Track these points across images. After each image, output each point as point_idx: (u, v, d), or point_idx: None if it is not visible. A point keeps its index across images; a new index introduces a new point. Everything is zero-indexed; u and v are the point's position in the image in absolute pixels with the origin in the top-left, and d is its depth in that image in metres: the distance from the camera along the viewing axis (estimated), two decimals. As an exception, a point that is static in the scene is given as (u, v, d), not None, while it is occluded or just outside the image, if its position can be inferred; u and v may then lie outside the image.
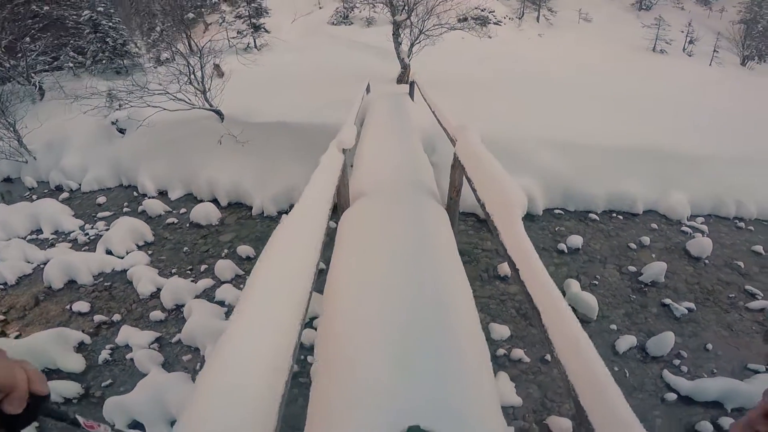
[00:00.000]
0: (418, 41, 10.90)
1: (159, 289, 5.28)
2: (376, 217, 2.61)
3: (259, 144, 7.19)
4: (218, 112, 7.76)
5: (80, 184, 8.56)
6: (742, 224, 6.59)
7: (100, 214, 7.46)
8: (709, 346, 4.25)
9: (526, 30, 17.03)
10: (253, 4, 14.30)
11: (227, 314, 4.87)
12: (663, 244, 5.99)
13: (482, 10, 13.57)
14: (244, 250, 5.84)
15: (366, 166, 3.50)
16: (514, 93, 9.41)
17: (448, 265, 2.24)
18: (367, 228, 2.51)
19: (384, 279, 2.10)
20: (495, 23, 12.61)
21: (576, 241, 5.87)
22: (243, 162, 7.09)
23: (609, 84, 10.84)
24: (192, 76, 7.07)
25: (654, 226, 6.41)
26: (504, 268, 5.36)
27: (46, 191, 8.86)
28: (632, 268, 5.38)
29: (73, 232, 6.96)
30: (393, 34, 10.67)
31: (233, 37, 14.56)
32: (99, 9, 13.48)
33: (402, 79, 10.86)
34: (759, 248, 5.91)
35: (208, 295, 5.26)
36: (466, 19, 12.42)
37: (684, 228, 6.37)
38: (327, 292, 2.05)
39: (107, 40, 13.17)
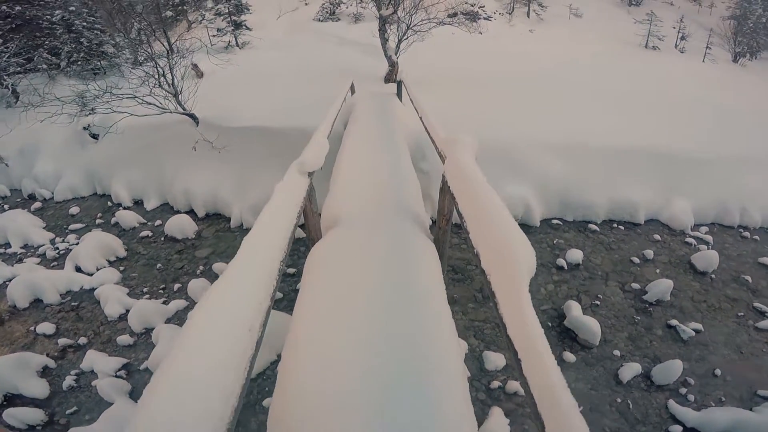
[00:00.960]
0: (405, 37, 10.44)
1: (128, 311, 4.95)
2: (351, 253, 2.25)
3: (236, 150, 6.76)
4: (192, 116, 7.30)
5: (53, 193, 8.09)
6: (746, 233, 6.32)
7: (72, 226, 7.01)
8: (718, 371, 4.02)
9: (516, 25, 16.71)
10: (232, 1, 13.70)
11: None
12: (667, 258, 5.69)
13: (472, 5, 13.14)
14: (220, 267, 5.46)
15: (344, 184, 3.11)
16: (507, 91, 9.04)
17: (433, 315, 1.90)
18: (340, 267, 2.15)
19: (356, 331, 1.75)
20: (485, 18, 12.19)
21: (576, 255, 5.54)
22: (220, 170, 6.68)
23: (605, 81, 10.52)
24: (162, 78, 6.60)
25: (657, 237, 6.10)
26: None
27: (18, 200, 8.39)
28: (636, 286, 5.09)
29: (43, 246, 6.53)
30: (379, 30, 10.17)
31: (213, 36, 13.96)
32: (71, 8, 12.81)
33: (390, 77, 10.37)
34: (766, 260, 5.67)
35: (180, 317, 4.93)
36: (455, 14, 11.99)
37: (688, 239, 6.06)
38: (289, 341, 1.70)
39: (81, 40, 12.52)
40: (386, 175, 3.34)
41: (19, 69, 12.92)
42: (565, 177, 6.37)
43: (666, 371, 3.84)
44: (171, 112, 6.77)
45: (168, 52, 6.86)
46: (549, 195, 6.30)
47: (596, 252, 5.82)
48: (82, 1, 13.30)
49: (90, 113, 7.46)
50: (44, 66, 13.26)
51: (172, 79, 6.71)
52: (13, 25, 14.06)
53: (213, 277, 5.45)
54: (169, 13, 14.72)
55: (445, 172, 2.22)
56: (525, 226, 6.16)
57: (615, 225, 6.36)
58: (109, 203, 7.47)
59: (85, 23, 12.95)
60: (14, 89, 12.35)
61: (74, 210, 7.47)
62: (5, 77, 12.27)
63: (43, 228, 7.02)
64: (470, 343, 4.43)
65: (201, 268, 5.66)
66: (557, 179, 6.33)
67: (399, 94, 7.79)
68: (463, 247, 5.80)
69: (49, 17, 13.26)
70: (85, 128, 8.04)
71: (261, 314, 1.30)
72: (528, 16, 18.42)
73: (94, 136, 8.20)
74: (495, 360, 4.11)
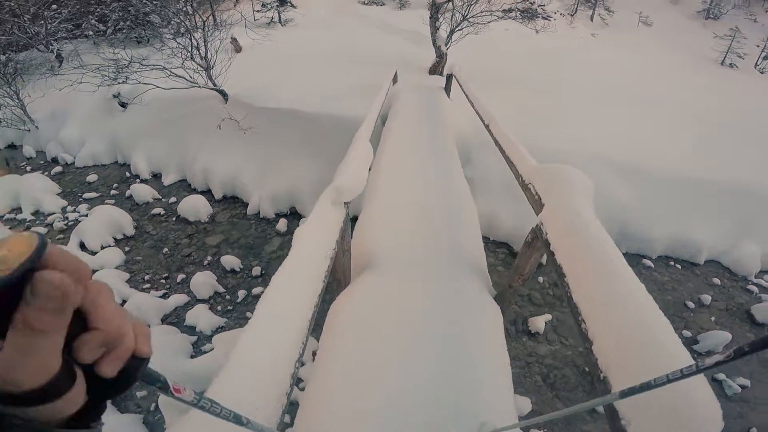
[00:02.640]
0: (459, 28, 9.58)
1: (125, 302, 4.54)
2: (387, 309, 1.68)
3: (263, 132, 6.25)
4: (222, 92, 6.85)
5: (75, 158, 7.91)
6: None
7: (86, 195, 6.77)
8: (753, 430, 3.74)
9: (578, 28, 15.45)
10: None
11: (196, 348, 4.08)
12: (724, 304, 5.15)
13: (531, 3, 12.10)
14: (229, 261, 5.00)
15: (381, 206, 2.50)
16: (569, 98, 8.12)
17: (489, 406, 1.30)
18: (371, 328, 1.60)
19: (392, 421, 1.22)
20: (544, 17, 11.12)
21: None
22: (243, 152, 6.20)
23: (677, 97, 9.36)
24: (195, 51, 6.16)
25: (716, 281, 5.45)
26: (536, 323, 4.40)
27: (42, 162, 8.27)
28: (687, 333, 4.62)
29: (53, 214, 6.31)
30: (430, 17, 9.34)
31: (257, 11, 13.55)
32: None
33: (436, 69, 9.59)
34: None
35: (178, 315, 4.52)
36: (511, 10, 10.96)
37: (750, 286, 5.46)
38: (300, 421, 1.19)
39: (129, 8, 12.41)
40: (434, 195, 2.71)
41: (66, 35, 13.06)
42: (628, 204, 5.54)
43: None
44: (200, 86, 6.33)
45: (204, 24, 6.37)
46: (607, 221, 5.45)
47: (649, 291, 5.09)
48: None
49: (123, 81, 7.16)
50: (90, 33, 13.30)
51: (206, 52, 6.26)
52: None
53: (220, 270, 5.01)
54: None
55: (543, 224, 1.55)
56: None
57: (672, 263, 5.67)
58: (128, 174, 7.18)
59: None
60: (59, 54, 12.45)
61: (92, 177, 7.24)
62: (52, 41, 12.37)
63: (58, 194, 6.80)
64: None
65: (209, 258, 5.23)
66: (620, 205, 5.52)
67: (447, 89, 7.01)
68: (499, 269, 5.12)
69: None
70: (114, 96, 7.78)
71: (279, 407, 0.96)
72: (591, 20, 17.06)
73: (123, 105, 7.95)
74: (520, 404, 3.65)
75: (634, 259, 5.61)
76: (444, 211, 2.49)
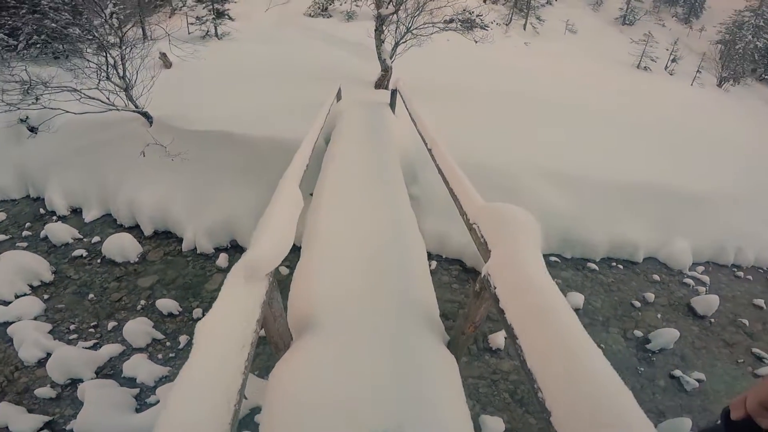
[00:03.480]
0: (403, 40, 9.62)
1: (49, 355, 4.00)
2: (331, 377, 1.47)
3: (193, 158, 5.75)
4: (145, 115, 6.25)
5: (-22, 193, 6.89)
6: (740, 273, 6.24)
7: (-8, 238, 5.87)
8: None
9: (512, 37, 16.27)
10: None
11: (140, 401, 3.67)
12: (666, 300, 5.46)
13: (470, 13, 12.53)
14: (165, 304, 4.51)
15: (321, 250, 2.27)
16: (507, 108, 8.40)
17: None
18: (314, 401, 1.38)
19: None
20: (481, 27, 11.54)
21: (577, 300, 5.09)
22: (172, 180, 5.65)
23: (603, 103, 10.06)
24: (112, 70, 5.55)
25: (656, 277, 5.83)
26: (496, 340, 4.39)
27: (-62, 199, 7.12)
28: (638, 333, 4.80)
29: (-49, 263, 5.38)
30: (375, 30, 9.30)
31: (191, 23, 12.78)
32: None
33: (381, 83, 9.58)
34: (760, 302, 5.62)
35: (114, 366, 4.04)
36: (451, 21, 11.26)
37: (686, 279, 5.87)
38: None
39: (45, 21, 11.16)
40: (381, 232, 2.52)
41: None
42: (567, 211, 5.77)
43: (673, 431, 3.62)
44: (118, 109, 5.70)
45: (120, 39, 5.76)
46: (550, 230, 5.69)
47: (596, 294, 5.44)
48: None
49: (32, 103, 6.33)
50: None
51: (123, 71, 5.66)
52: None
53: (156, 315, 4.51)
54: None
55: (490, 273, 1.42)
56: (523, 265, 5.51)
57: (614, 263, 5.98)
58: (42, 210, 6.34)
59: (51, 3, 11.59)
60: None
61: (0, 216, 6.32)
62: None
63: (-43, 239, 5.86)
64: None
65: (143, 302, 4.70)
66: (558, 214, 5.74)
67: (392, 105, 6.93)
68: (454, 287, 5.08)
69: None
70: (21, 120, 6.85)
71: None
72: (524, 29, 18.05)
73: (33, 130, 7.04)
74: (494, 426, 3.58)
75: (579, 263, 5.83)
76: (392, 250, 2.32)
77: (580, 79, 12.79)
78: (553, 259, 5.78)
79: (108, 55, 5.48)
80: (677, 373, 4.29)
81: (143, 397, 3.74)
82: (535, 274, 1.22)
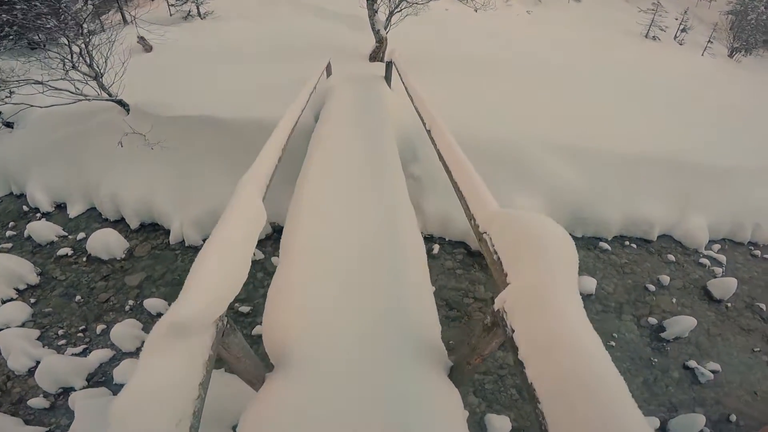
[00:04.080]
0: (398, 9, 9.04)
1: (38, 363, 3.85)
2: (309, 428, 1.19)
3: (176, 146, 5.39)
4: (121, 103, 5.84)
5: (-42, 192, 6.59)
6: (757, 252, 5.88)
7: (-26, 239, 5.61)
8: (733, 416, 3.74)
9: (514, 5, 15.48)
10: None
11: None
12: (682, 282, 5.14)
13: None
14: (154, 304, 4.27)
15: (300, 263, 1.90)
16: (512, 79, 7.88)
17: None
18: None
19: None
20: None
21: (589, 285, 4.79)
22: (154, 170, 5.31)
23: (613, 73, 9.52)
24: (79, 58, 5.11)
25: (671, 257, 5.50)
26: (502, 328, 4.11)
27: None
28: (653, 320, 4.54)
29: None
30: (367, 0, 8.67)
31: (172, 4, 12.10)
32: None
33: (376, 55, 8.98)
34: None
35: (105, 372, 3.89)
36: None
37: (702, 260, 5.54)
38: None
39: (15, 12, 10.53)
40: (373, 235, 2.17)
41: None
42: (578, 187, 5.42)
43: (686, 427, 3.49)
44: (88, 99, 5.29)
45: (83, 22, 5.28)
46: (560, 208, 5.35)
47: (608, 277, 5.13)
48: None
49: (8, 96, 5.93)
50: None
51: (90, 60, 5.21)
52: None
53: (145, 316, 4.28)
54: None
55: (507, 311, 1.09)
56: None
57: (627, 242, 5.65)
58: (26, 207, 6.05)
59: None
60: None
61: (-19, 216, 6.05)
62: None
63: (-60, 240, 5.61)
64: (469, 403, 3.65)
65: (131, 302, 4.46)
66: (569, 190, 5.38)
67: (387, 78, 6.45)
68: (458, 272, 4.80)
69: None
70: (-7, 115, 6.47)
71: None
72: (526, -4, 17.19)
73: (8, 125, 6.67)
74: (500, 424, 3.40)
75: (590, 242, 5.51)
76: (386, 258, 1.97)
77: (585, 47, 12.16)
78: (562, 239, 5.47)
79: (71, 43, 5.02)
80: (692, 363, 4.10)
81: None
82: (572, 324, 0.90)
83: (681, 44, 16.59)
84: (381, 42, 8.78)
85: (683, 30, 16.68)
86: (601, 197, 5.42)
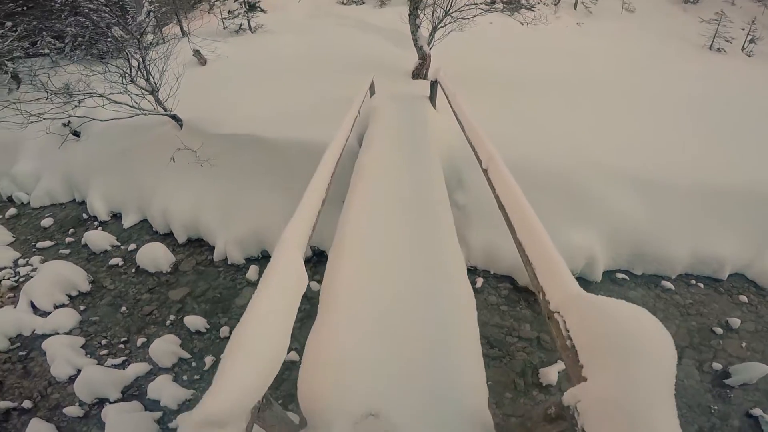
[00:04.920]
0: (442, 24, 8.69)
1: (79, 371, 4.00)
2: None
3: (223, 164, 5.51)
4: (174, 117, 6.07)
5: (30, 197, 7.15)
6: None
7: (39, 244, 6.02)
8: None
9: (563, 17, 14.83)
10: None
11: (162, 426, 3.57)
12: (753, 325, 4.62)
13: (513, -8, 11.46)
14: (193, 321, 4.35)
15: (340, 308, 1.84)
16: (564, 97, 7.44)
17: None
18: None
19: None
20: (528, 8, 10.48)
21: None
22: (203, 187, 5.46)
23: (679, 90, 8.74)
24: (137, 72, 5.37)
25: (743, 298, 4.92)
26: (548, 375, 3.84)
27: (-4, 203, 7.50)
28: (717, 366, 4.12)
29: (4, 269, 5.59)
30: (410, 15, 8.43)
31: (224, 18, 12.67)
32: (77, -11, 11.74)
33: (420, 72, 8.74)
34: None
35: (140, 386, 3.97)
36: (494, 2, 10.27)
37: None
38: None
39: (87, 23, 11.50)
40: (417, 282, 2.05)
41: (21, 54, 12.14)
42: (640, 221, 4.97)
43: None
44: (145, 114, 5.54)
45: (139, 36, 5.56)
46: (618, 242, 4.94)
47: (670, 318, 4.67)
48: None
49: (77, 105, 6.36)
50: (46, 51, 12.37)
51: (147, 74, 5.47)
52: (25, 7, 13.19)
53: (185, 332, 4.37)
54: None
55: (579, 410, 0.93)
56: (583, 282, 4.85)
57: (693, 281, 5.11)
58: (85, 215, 6.44)
59: (91, 5, 11.94)
60: (15, 75, 11.55)
61: (47, 222, 6.49)
62: (6, 62, 11.44)
63: (10, 244, 6.09)
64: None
65: (172, 317, 4.57)
66: (630, 224, 4.94)
67: (432, 98, 6.27)
68: (502, 308, 4.53)
69: (55, -1, 12.26)
70: (64, 125, 6.96)
71: None
72: (575, 8, 16.48)
73: (76, 134, 7.16)
74: None
75: (651, 280, 5.04)
76: (431, 309, 1.84)
77: (644, 61, 11.41)
78: (620, 276, 5.03)
79: (130, 56, 5.29)
80: (756, 411, 3.69)
81: (166, 421, 3.61)
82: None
83: (750, 56, 15.22)
84: (424, 59, 8.62)
85: (752, 41, 15.32)
86: (666, 232, 4.95)
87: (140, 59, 5.33)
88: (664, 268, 5.01)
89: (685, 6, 18.86)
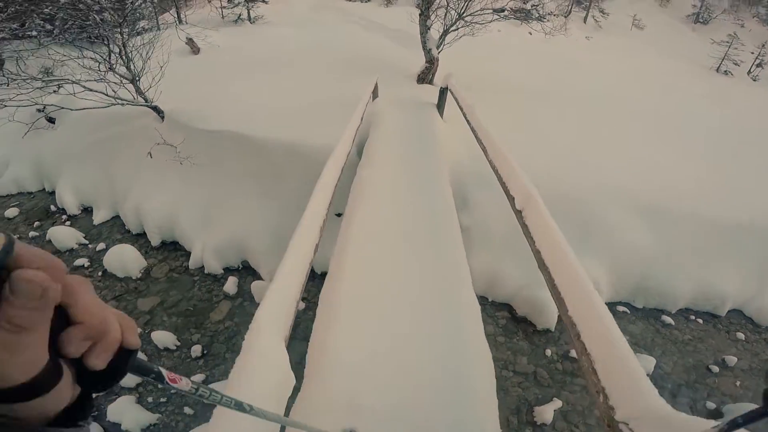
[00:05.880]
0: (454, 28, 8.34)
1: None
2: None
3: (206, 162, 5.06)
4: (156, 109, 5.60)
5: (-4, 185, 6.62)
6: None
7: (0, 237, 5.51)
8: None
9: (572, 30, 14.62)
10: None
11: None
12: (748, 363, 4.53)
13: (524, 1, 11.22)
14: (161, 337, 3.92)
15: (334, 364, 1.54)
16: (576, 111, 7.15)
17: None
18: None
19: None
20: (537, 19, 10.19)
21: (647, 364, 4.15)
22: (181, 187, 5.01)
23: (695, 113, 8.51)
24: (117, 58, 4.90)
25: (740, 335, 4.80)
26: (543, 413, 3.55)
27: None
28: (710, 404, 4.00)
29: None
30: (420, 14, 8.02)
31: (224, 7, 12.16)
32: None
33: (426, 77, 8.35)
34: None
35: (99, 407, 3.35)
36: (503, 10, 9.93)
37: None
38: None
39: (79, 5, 10.89)
40: (428, 334, 1.76)
41: (7, 35, 11.54)
42: (649, 254, 4.70)
43: None
44: (122, 104, 5.08)
45: (123, 19, 5.09)
46: (623, 273, 4.68)
47: (668, 355, 4.50)
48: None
49: (56, 91, 5.86)
50: (34, 33, 11.77)
51: (127, 61, 5.00)
52: None
53: (152, 347, 3.94)
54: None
55: None
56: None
57: (692, 317, 4.94)
58: (54, 207, 5.95)
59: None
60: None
61: (12, 212, 5.96)
62: (-9, 44, 10.88)
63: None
64: None
65: (139, 329, 4.12)
66: (638, 256, 4.68)
67: (441, 106, 5.86)
68: (498, 339, 4.22)
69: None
70: (39, 110, 6.42)
71: None
72: (585, 22, 16.31)
73: (51, 120, 6.64)
74: None
75: (651, 314, 4.81)
76: (439, 359, 1.57)
77: (654, 79, 11.22)
78: (621, 309, 4.78)
79: (110, 43, 4.82)
80: None
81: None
82: None
83: (755, 80, 15.23)
84: (432, 62, 8.24)
85: (758, 65, 15.32)
86: (673, 266, 4.71)
87: (121, 45, 4.85)
88: (665, 302, 4.80)
89: (695, 26, 18.85)
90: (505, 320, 4.35)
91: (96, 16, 5.68)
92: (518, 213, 1.90)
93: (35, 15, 12.05)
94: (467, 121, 3.84)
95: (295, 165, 4.52)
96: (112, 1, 6.19)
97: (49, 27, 12.09)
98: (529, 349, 4.12)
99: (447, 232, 2.57)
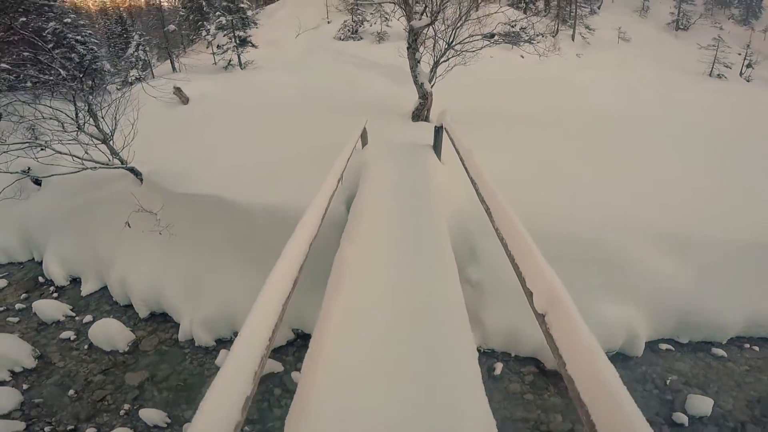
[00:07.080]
0: (445, 59, 7.97)
1: None
2: None
3: (186, 232, 4.73)
4: (133, 171, 5.32)
5: (-16, 255, 6.37)
6: None
7: (-13, 312, 5.23)
8: None
9: (562, 49, 14.74)
10: (237, 14, 12.11)
11: None
12: None
13: (512, 25, 11.24)
14: (150, 415, 3.53)
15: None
16: (581, 138, 6.82)
17: None
18: None
19: None
20: (527, 41, 10.18)
21: (702, 405, 3.71)
22: (164, 256, 4.70)
23: (696, 123, 8.18)
24: (87, 118, 4.69)
25: None
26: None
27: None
28: None
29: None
30: (408, 48, 7.64)
31: (214, 53, 12.33)
32: (66, 20, 11.50)
33: (420, 113, 7.95)
34: None
35: None
36: (492, 35, 9.87)
37: None
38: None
39: (72, 56, 11.14)
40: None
41: (2, 87, 11.71)
42: (684, 287, 4.27)
43: None
44: (93, 168, 4.80)
45: (82, 73, 4.88)
46: (660, 310, 4.25)
47: (725, 391, 4.01)
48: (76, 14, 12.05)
49: (43, 149, 5.68)
50: (28, 84, 11.94)
51: (95, 120, 4.76)
52: (13, 39, 12.91)
53: (141, 425, 3.55)
54: (171, 27, 13.25)
55: None
56: (622, 357, 4.11)
57: (746, 345, 4.46)
58: (42, 278, 5.68)
59: (78, 37, 11.61)
60: (-8, 109, 11.05)
61: (0, 283, 5.72)
62: (-17, 96, 10.98)
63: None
64: None
65: (127, 405, 3.76)
66: (673, 291, 4.24)
67: (437, 146, 5.37)
68: (526, 397, 3.73)
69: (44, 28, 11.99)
70: (24, 172, 6.25)
71: None
72: (573, 40, 16.48)
73: (37, 182, 6.49)
74: None
75: (699, 347, 4.34)
76: None
77: (648, 90, 11.08)
78: (664, 346, 4.29)
79: (75, 99, 4.60)
80: None
81: None
82: None
83: (748, 81, 15.12)
84: (425, 98, 7.87)
85: (749, 65, 15.25)
86: (715, 296, 4.26)
87: (86, 103, 4.64)
88: (713, 333, 4.33)
89: (677, 33, 19.07)
90: (532, 376, 3.87)
91: (61, 70, 5.50)
92: (540, 317, 1.26)
93: (30, 64, 12.18)
94: (465, 169, 3.24)
95: (278, 231, 4.15)
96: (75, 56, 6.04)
97: (44, 77, 12.30)
98: (563, 404, 3.62)
99: (448, 302, 2.12)
